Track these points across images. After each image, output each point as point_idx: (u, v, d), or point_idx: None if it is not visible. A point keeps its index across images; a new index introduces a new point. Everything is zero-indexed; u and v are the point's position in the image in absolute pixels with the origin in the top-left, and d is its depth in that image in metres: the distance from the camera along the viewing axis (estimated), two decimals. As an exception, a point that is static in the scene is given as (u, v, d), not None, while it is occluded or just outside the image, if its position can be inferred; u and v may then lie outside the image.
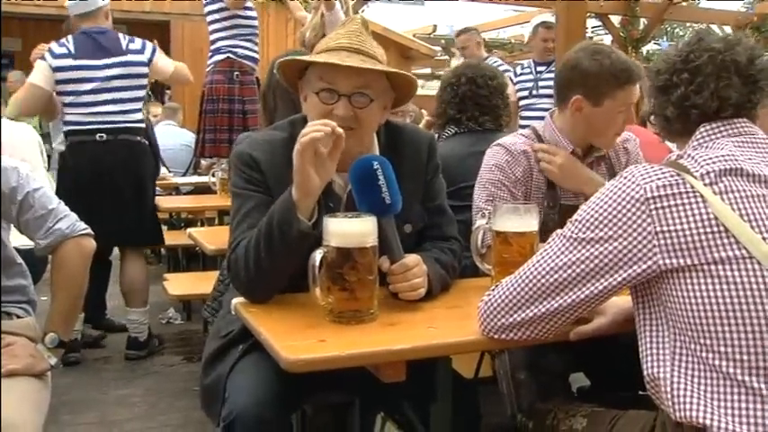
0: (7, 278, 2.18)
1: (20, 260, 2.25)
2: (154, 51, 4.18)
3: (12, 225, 2.21)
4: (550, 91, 5.62)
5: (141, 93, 4.17)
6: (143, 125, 4.20)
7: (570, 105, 2.26)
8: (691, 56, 1.51)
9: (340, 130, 1.65)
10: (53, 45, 4.08)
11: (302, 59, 1.82)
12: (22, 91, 4.06)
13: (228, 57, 5.07)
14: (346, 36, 1.80)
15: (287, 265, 1.71)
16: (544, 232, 2.18)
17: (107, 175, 3.97)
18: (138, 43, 4.16)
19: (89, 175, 3.97)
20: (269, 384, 1.67)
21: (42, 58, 4.01)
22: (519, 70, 6.08)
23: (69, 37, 4.12)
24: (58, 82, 4.00)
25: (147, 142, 4.21)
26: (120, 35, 4.15)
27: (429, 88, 11.67)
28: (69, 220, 2.15)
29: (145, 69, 4.12)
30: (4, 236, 2.16)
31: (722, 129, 1.49)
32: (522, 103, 5.80)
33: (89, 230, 2.19)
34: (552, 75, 5.66)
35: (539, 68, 5.82)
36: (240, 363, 1.79)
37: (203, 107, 5.18)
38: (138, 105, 4.17)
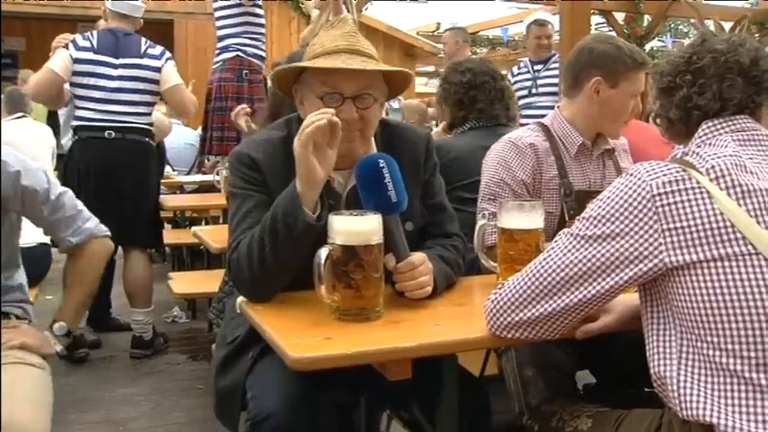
0: (9, 278, 2.22)
1: (20, 262, 2.31)
2: (169, 59, 4.21)
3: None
4: (549, 89, 5.63)
5: (153, 98, 4.21)
6: (152, 127, 4.25)
7: (589, 88, 2.29)
8: (694, 57, 1.52)
9: (336, 119, 1.67)
10: (78, 37, 4.13)
11: (303, 66, 1.81)
12: (39, 74, 4.10)
13: (238, 55, 5.06)
14: (342, 38, 1.80)
15: (291, 261, 1.70)
16: (565, 221, 2.20)
17: (113, 173, 4.00)
18: (156, 50, 4.19)
19: (96, 171, 4.00)
20: (293, 384, 1.67)
21: (66, 47, 4.05)
22: (516, 70, 6.09)
23: (94, 32, 4.18)
24: (75, 74, 4.03)
25: (154, 144, 4.26)
26: (143, 39, 4.20)
27: (433, 86, 11.68)
28: (94, 221, 2.29)
29: (158, 75, 4.15)
30: (5, 233, 2.19)
31: (724, 124, 1.49)
32: (521, 102, 5.79)
33: (109, 233, 2.32)
34: (551, 72, 5.69)
35: (536, 67, 5.83)
36: (258, 365, 1.79)
37: (210, 105, 5.17)
38: (150, 109, 4.22)
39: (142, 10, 4.28)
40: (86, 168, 4.01)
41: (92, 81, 4.03)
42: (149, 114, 4.22)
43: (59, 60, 4.02)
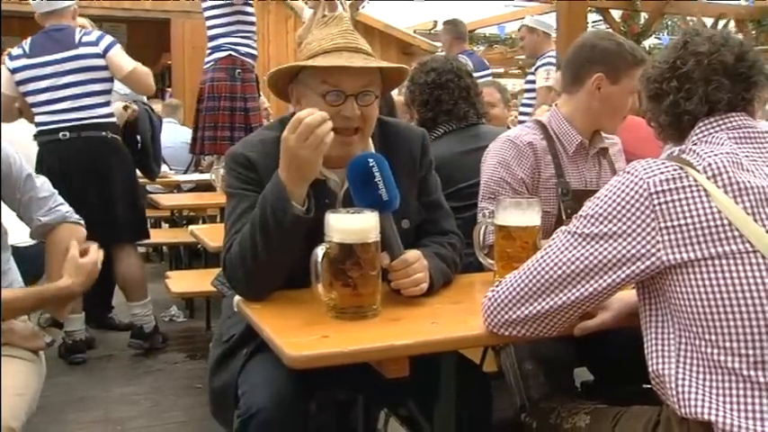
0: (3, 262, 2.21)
1: (8, 245, 2.28)
2: (111, 45, 3.99)
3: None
4: (527, 86, 5.65)
5: (103, 86, 4.02)
6: (111, 119, 4.06)
7: (590, 84, 2.29)
8: (677, 62, 1.51)
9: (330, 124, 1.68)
10: (13, 48, 4.04)
11: (304, 65, 1.80)
12: None
13: (230, 54, 5.04)
14: (341, 35, 1.80)
15: (284, 255, 1.70)
16: (563, 220, 2.20)
17: (73, 175, 3.83)
18: (93, 35, 4.01)
19: (57, 175, 3.70)
20: (284, 381, 1.67)
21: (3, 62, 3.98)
22: None
23: (29, 38, 4.05)
24: (18, 83, 3.95)
25: (117, 137, 4.08)
26: (78, 29, 4.02)
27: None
28: (68, 207, 2.30)
29: (101, 61, 3.96)
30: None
31: (720, 122, 1.49)
32: None
33: (82, 222, 2.32)
34: (534, 74, 5.72)
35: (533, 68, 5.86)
36: (250, 363, 1.79)
37: (202, 104, 5.16)
38: (102, 99, 4.02)
39: None
40: (48, 174, 3.84)
41: (33, 86, 3.93)
42: (103, 105, 4.03)
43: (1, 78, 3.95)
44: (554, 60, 5.53)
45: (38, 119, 3.97)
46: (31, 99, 3.97)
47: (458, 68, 2.89)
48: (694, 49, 1.50)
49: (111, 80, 4.07)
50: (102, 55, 3.98)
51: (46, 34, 4.01)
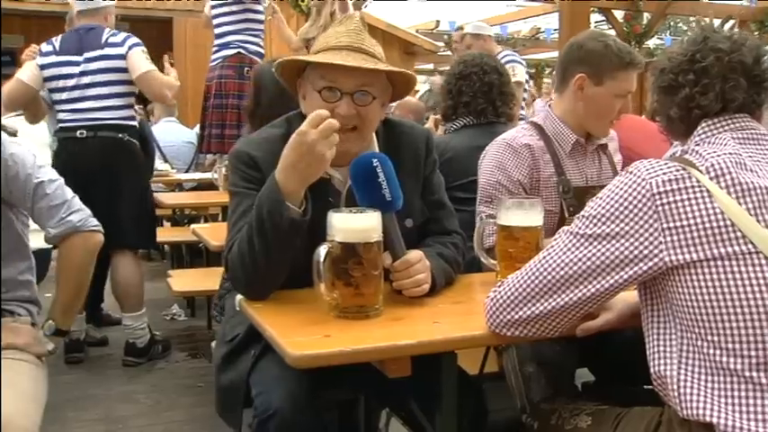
0: (18, 272, 2.21)
1: (31, 257, 2.28)
2: (135, 45, 3.97)
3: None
4: None
5: (127, 88, 3.99)
6: (131, 122, 4.04)
7: (573, 84, 2.29)
8: (697, 56, 1.50)
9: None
10: (43, 44, 4.04)
11: (304, 59, 1.81)
12: (8, 84, 3.99)
13: (240, 52, 5.02)
14: (347, 34, 1.80)
15: (282, 257, 1.70)
16: (565, 218, 2.21)
17: (86, 174, 3.73)
18: (119, 37, 3.98)
19: (71, 173, 3.76)
20: (296, 380, 1.67)
21: (33, 57, 3.99)
22: None
23: (59, 36, 4.06)
24: (45, 79, 3.95)
25: (134, 141, 4.04)
26: (106, 30, 4.00)
27: (432, 84, 11.69)
28: (82, 214, 2.20)
29: (124, 63, 3.94)
30: (4, 223, 2.16)
31: (723, 123, 1.48)
32: None
33: (100, 227, 2.24)
34: None
35: None
36: (261, 362, 1.79)
37: (209, 102, 5.12)
38: (125, 102, 4.00)
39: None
40: (63, 171, 3.81)
41: (60, 83, 3.93)
42: (126, 108, 4.00)
43: (27, 70, 3.95)
44: (516, 57, 5.53)
45: (60, 116, 3.99)
46: (55, 96, 3.97)
47: (485, 63, 2.96)
48: (714, 46, 1.49)
49: (132, 83, 4.03)
50: (125, 55, 3.97)
51: (76, 33, 4.02)
